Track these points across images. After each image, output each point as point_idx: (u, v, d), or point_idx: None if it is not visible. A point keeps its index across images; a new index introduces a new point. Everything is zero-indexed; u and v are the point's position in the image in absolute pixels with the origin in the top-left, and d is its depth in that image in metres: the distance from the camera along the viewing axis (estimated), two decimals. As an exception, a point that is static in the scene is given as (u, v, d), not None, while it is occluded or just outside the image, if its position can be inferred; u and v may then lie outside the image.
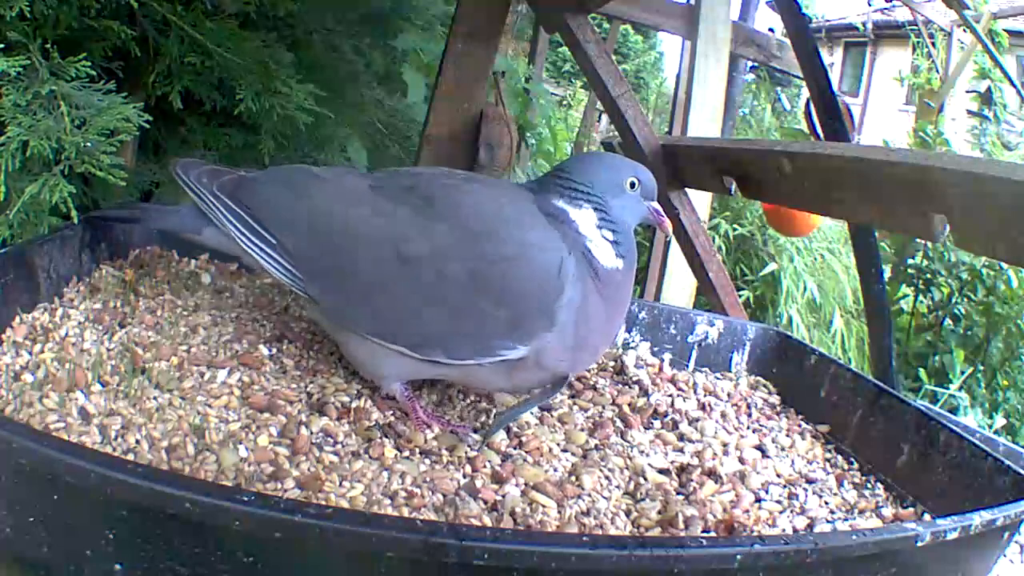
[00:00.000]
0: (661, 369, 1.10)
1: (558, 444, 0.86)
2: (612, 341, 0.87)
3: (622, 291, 0.84)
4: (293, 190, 0.87)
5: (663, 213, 0.89)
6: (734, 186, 1.35)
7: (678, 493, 0.81)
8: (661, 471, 0.85)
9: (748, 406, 1.05)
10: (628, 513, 0.77)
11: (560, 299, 0.78)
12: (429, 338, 0.80)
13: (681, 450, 0.90)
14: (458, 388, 0.93)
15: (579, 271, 0.80)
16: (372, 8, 2.24)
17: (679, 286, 2.43)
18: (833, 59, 12.89)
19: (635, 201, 0.85)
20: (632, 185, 0.85)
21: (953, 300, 3.84)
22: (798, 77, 3.27)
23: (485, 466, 0.78)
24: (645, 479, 0.82)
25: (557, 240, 0.80)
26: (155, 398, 0.77)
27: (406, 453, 0.78)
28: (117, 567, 0.54)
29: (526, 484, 0.76)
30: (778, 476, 0.89)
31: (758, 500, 0.82)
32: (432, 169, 0.91)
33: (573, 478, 0.80)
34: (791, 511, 0.81)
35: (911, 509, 0.86)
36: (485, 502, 0.72)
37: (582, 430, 0.90)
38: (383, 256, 0.81)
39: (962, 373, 3.54)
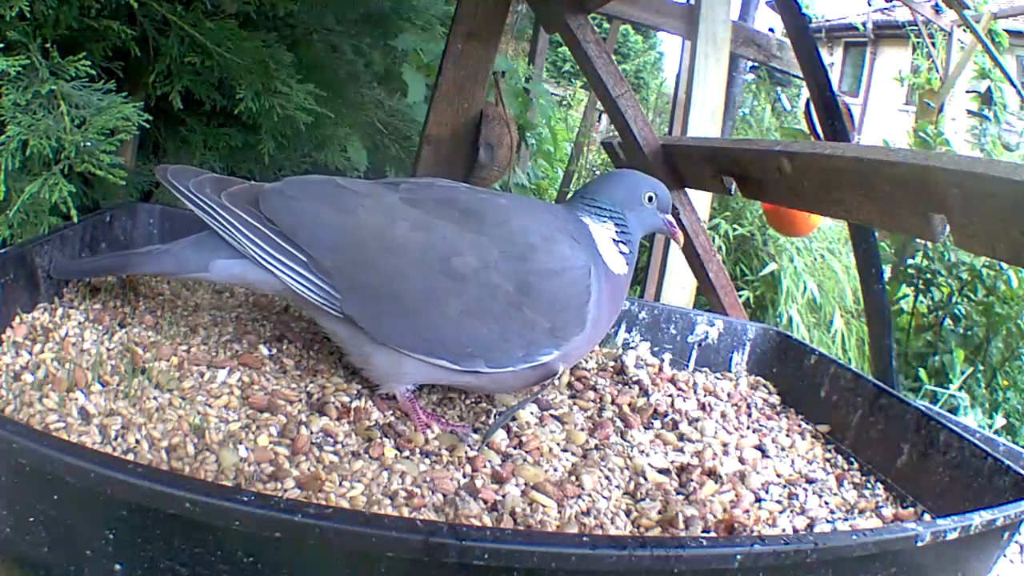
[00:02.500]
0: (661, 369, 1.10)
1: (558, 444, 0.86)
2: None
3: (623, 290, 0.93)
4: (326, 204, 0.83)
5: (675, 225, 0.96)
6: (734, 186, 1.35)
7: (678, 493, 0.81)
8: (661, 471, 0.85)
9: (748, 406, 1.05)
10: (628, 513, 0.77)
11: (589, 303, 0.84)
12: (473, 350, 0.81)
13: (681, 450, 0.90)
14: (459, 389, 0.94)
15: (596, 276, 0.85)
16: (372, 8, 2.25)
17: (679, 286, 2.43)
18: (833, 59, 12.89)
19: (652, 214, 0.93)
20: (650, 199, 0.92)
21: (953, 300, 3.84)
22: (798, 77, 3.27)
23: (485, 466, 0.78)
24: (645, 479, 0.82)
25: (582, 251, 0.86)
26: (155, 398, 0.77)
27: (406, 453, 0.78)
28: (117, 567, 0.54)
29: (526, 484, 0.76)
30: (778, 476, 0.89)
31: (758, 500, 0.82)
32: (456, 183, 0.91)
33: (573, 478, 0.80)
34: (791, 511, 0.81)
35: (911, 509, 0.86)
36: (485, 502, 0.72)
37: (582, 430, 0.90)
38: (430, 270, 0.80)
39: (962, 373, 3.54)
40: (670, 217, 0.95)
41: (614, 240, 0.89)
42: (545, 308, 0.82)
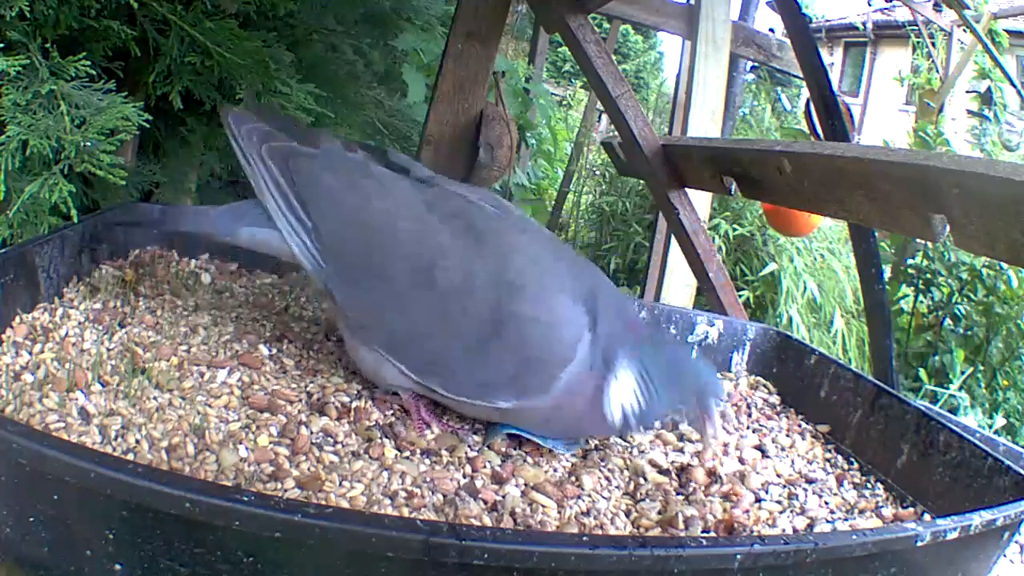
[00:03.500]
0: (661, 369, 1.10)
1: (558, 444, 0.86)
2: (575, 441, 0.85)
3: (597, 423, 0.80)
4: (344, 182, 0.84)
5: (710, 417, 0.81)
6: (734, 186, 1.35)
7: (678, 493, 0.81)
8: (661, 471, 0.85)
9: (748, 406, 1.05)
10: (628, 513, 0.77)
11: (566, 369, 0.77)
12: (432, 367, 0.80)
13: (681, 450, 0.90)
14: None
15: (590, 353, 0.77)
16: (372, 8, 2.24)
17: (679, 286, 2.43)
18: (833, 59, 12.89)
19: (691, 410, 0.80)
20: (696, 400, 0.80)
21: (953, 300, 3.84)
22: (798, 77, 3.27)
23: (485, 466, 0.78)
24: (645, 479, 0.82)
25: (582, 320, 0.78)
26: (155, 398, 0.77)
27: (406, 453, 0.78)
28: (117, 567, 0.54)
29: (526, 484, 0.76)
30: (778, 476, 0.89)
31: (758, 500, 0.82)
32: (494, 200, 0.87)
33: (573, 478, 0.80)
34: (791, 511, 0.81)
35: (911, 509, 0.86)
36: (485, 502, 0.72)
37: (582, 430, 0.90)
38: (412, 271, 0.80)
39: (962, 373, 3.54)
40: (710, 409, 0.80)
41: (621, 402, 0.78)
42: (511, 352, 0.77)
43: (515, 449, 0.84)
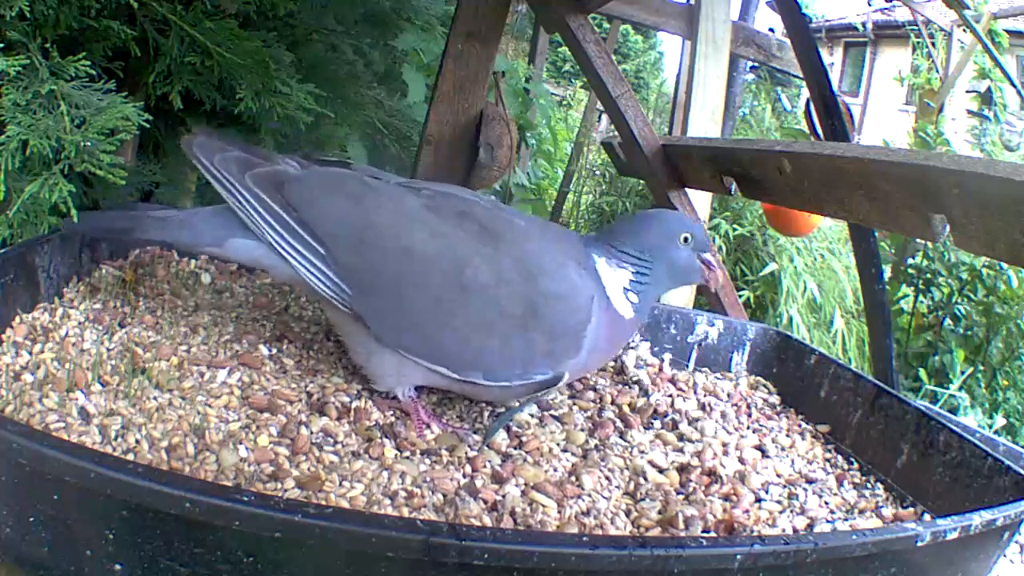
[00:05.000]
0: (661, 369, 1.10)
1: (558, 444, 0.86)
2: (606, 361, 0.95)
3: (624, 333, 0.91)
4: (351, 200, 0.83)
5: (714, 265, 0.92)
6: (734, 186, 1.35)
7: (678, 493, 0.81)
8: (661, 471, 0.85)
9: (748, 406, 1.05)
10: (628, 513, 0.77)
11: (587, 331, 0.84)
12: (474, 362, 0.82)
13: (681, 450, 0.90)
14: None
15: (597, 307, 0.85)
16: (372, 8, 2.24)
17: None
18: (833, 59, 12.89)
19: (688, 257, 0.89)
20: (686, 240, 0.89)
21: (953, 300, 3.84)
22: (798, 77, 3.27)
23: (485, 466, 0.78)
24: (645, 479, 0.82)
25: (589, 280, 0.85)
26: (155, 398, 0.77)
27: (406, 453, 0.78)
28: (117, 567, 0.54)
29: (526, 484, 0.76)
30: (778, 476, 0.89)
31: (758, 500, 0.82)
32: (476, 196, 0.90)
33: (573, 478, 0.80)
34: (791, 511, 0.81)
35: (911, 509, 0.86)
36: (485, 502, 0.72)
37: (582, 430, 0.90)
38: (443, 279, 0.81)
39: (962, 373, 3.54)
40: (708, 256, 0.91)
41: (624, 288, 0.87)
42: (547, 330, 0.82)
43: (515, 449, 0.84)
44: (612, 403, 0.98)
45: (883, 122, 10.16)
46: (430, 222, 0.83)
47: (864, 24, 11.34)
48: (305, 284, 0.83)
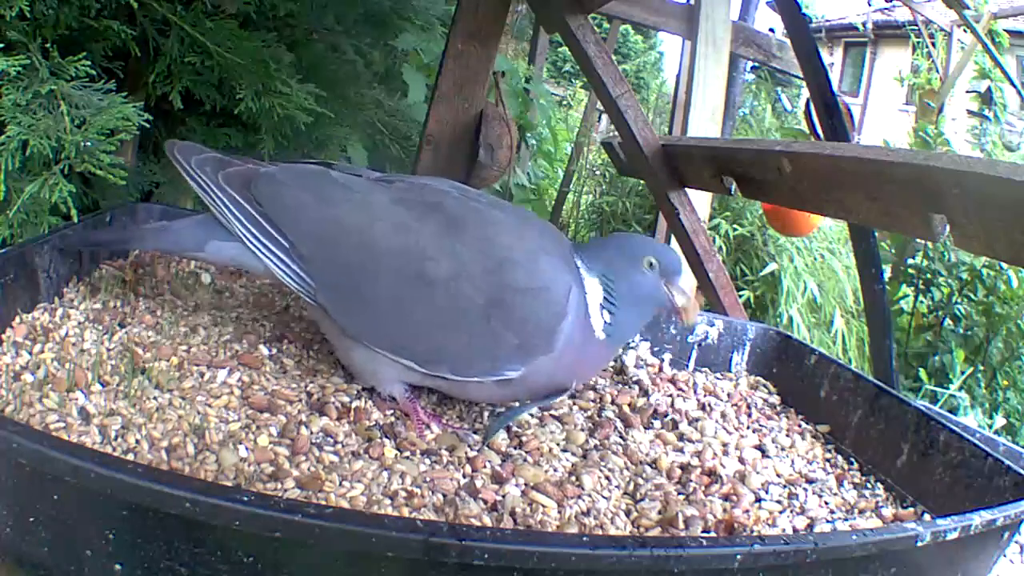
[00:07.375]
0: (661, 369, 1.10)
1: (558, 444, 0.86)
2: (575, 383, 0.89)
3: (596, 357, 0.88)
4: (314, 195, 0.83)
5: (686, 295, 0.86)
6: (734, 186, 1.35)
7: (678, 493, 0.81)
8: (661, 471, 0.85)
9: (748, 406, 1.05)
10: (628, 513, 0.77)
11: (562, 324, 0.81)
12: (438, 355, 0.81)
13: (681, 450, 0.90)
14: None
15: (577, 302, 0.82)
16: (372, 8, 2.24)
17: (679, 286, 2.42)
18: (833, 59, 12.89)
19: (651, 284, 0.84)
20: (651, 265, 0.84)
21: (953, 300, 3.84)
22: (798, 77, 3.27)
23: (485, 466, 0.78)
24: (645, 479, 0.82)
25: (567, 273, 0.83)
26: (155, 398, 0.77)
27: (406, 453, 0.78)
28: (117, 567, 0.54)
29: (526, 484, 0.76)
30: (778, 476, 0.89)
31: (758, 500, 0.82)
32: (453, 186, 0.89)
33: (573, 478, 0.80)
34: (791, 511, 0.81)
35: (911, 509, 0.86)
36: (485, 502, 0.72)
37: (582, 430, 0.90)
38: (402, 272, 0.80)
39: (962, 373, 3.54)
40: (680, 287, 0.85)
41: (600, 305, 0.83)
42: (515, 324, 0.80)
43: (515, 449, 0.84)
44: (612, 403, 0.98)
45: (883, 122, 10.16)
46: (395, 215, 0.82)
47: (864, 24, 11.34)
48: (275, 279, 0.84)
